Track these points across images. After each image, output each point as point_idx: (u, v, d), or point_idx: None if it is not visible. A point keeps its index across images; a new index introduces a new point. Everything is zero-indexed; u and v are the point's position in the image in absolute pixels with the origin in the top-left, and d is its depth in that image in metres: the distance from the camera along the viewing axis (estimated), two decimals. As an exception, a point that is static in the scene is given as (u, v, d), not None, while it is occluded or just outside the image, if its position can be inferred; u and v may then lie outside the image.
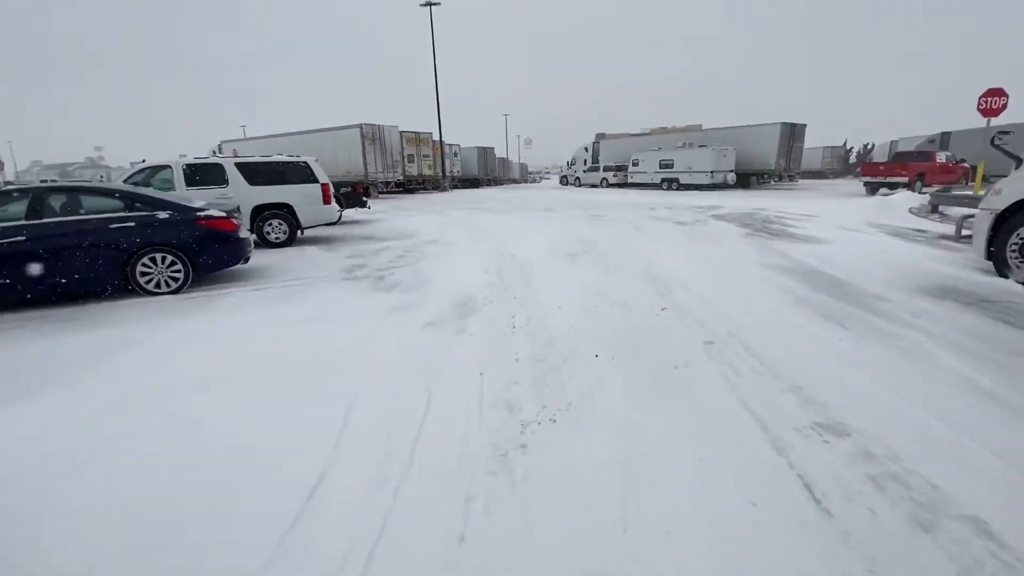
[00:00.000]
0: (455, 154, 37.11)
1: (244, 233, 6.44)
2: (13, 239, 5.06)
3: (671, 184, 28.56)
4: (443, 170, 32.46)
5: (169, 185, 8.63)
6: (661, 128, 37.84)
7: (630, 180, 31.51)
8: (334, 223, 11.13)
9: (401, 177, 27.61)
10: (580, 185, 36.44)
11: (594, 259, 7.43)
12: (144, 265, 5.64)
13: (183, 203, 5.98)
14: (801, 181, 33.83)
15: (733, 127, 28.53)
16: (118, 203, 5.62)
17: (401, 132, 28.09)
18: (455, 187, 37.31)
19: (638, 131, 38.02)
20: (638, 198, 21.67)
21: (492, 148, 43.68)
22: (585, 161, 38.49)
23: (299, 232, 9.67)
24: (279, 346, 4.04)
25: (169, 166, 8.72)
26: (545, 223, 12.43)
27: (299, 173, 9.42)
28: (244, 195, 9.01)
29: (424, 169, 30.36)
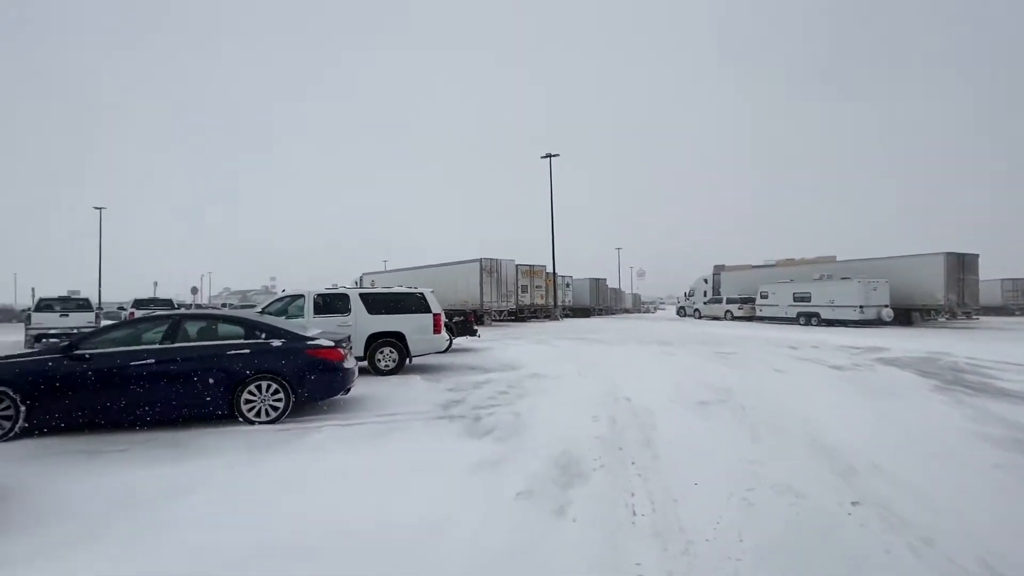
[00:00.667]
0: (567, 285, 37.84)
1: (350, 363, 6.35)
2: (144, 361, 5.40)
3: (809, 319, 25.41)
4: (555, 300, 32.91)
5: (301, 312, 9.31)
6: (788, 260, 35.22)
7: (758, 313, 28.81)
8: (443, 351, 11.10)
9: (514, 306, 28.36)
10: (700, 317, 34.27)
11: (733, 412, 6.04)
12: (250, 392, 5.65)
13: (296, 331, 6.12)
14: (981, 318, 28.13)
15: (884, 258, 25.38)
16: (239, 330, 5.90)
17: (516, 265, 29.59)
18: (566, 316, 37.40)
19: (762, 263, 35.76)
20: (772, 333, 19.28)
21: (604, 279, 44.07)
22: (705, 292, 36.65)
23: (408, 360, 9.65)
24: (338, 514, 3.37)
25: (303, 295, 9.50)
26: (664, 359, 11.15)
27: (414, 303, 9.69)
28: (362, 323, 9.36)
29: (536, 299, 31.05)
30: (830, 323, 24.53)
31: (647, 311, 65.31)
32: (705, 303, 34.25)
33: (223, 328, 5.95)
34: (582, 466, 4.14)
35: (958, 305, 22.75)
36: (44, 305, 15.74)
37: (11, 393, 4.99)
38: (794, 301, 26.48)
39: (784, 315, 27.00)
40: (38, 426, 5.13)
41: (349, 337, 6.90)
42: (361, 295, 9.55)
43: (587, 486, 3.72)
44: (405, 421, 5.78)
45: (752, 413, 5.96)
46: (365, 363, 9.40)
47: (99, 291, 41.00)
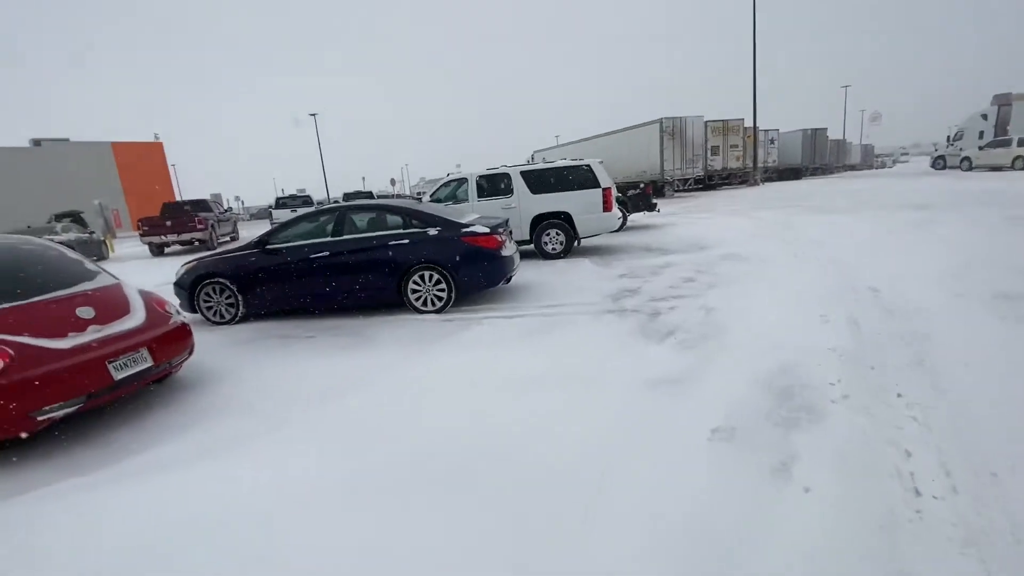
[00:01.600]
0: (771, 141, 31.25)
1: (508, 250, 5.78)
2: (320, 254, 5.63)
3: None
4: (755, 160, 27.65)
5: (466, 196, 9.05)
6: None
7: (1084, 155, 19.74)
8: (616, 231, 9.96)
9: (701, 172, 24.69)
10: (970, 168, 25.27)
11: (1076, 314, 3.80)
12: (415, 283, 5.56)
13: (452, 218, 5.69)
14: None
15: None
16: (398, 220, 5.70)
17: (706, 122, 25.09)
18: (769, 180, 31.52)
19: None
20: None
21: (824, 129, 35.16)
22: (982, 133, 26.59)
23: (576, 242, 8.83)
24: (484, 436, 2.88)
25: (466, 179, 9.14)
26: (923, 231, 8.13)
27: (580, 178, 8.53)
28: (526, 205, 8.70)
29: (731, 161, 26.45)
30: None
31: (883, 166, 51.63)
32: (981, 148, 24.83)
33: (385, 219, 5.84)
34: (811, 394, 2.90)
35: None
36: (281, 203, 19.08)
37: (229, 284, 5.75)
38: None
39: None
40: (250, 313, 5.92)
41: (507, 221, 6.27)
42: (523, 173, 8.75)
43: (823, 429, 2.52)
44: (570, 315, 5.09)
45: (1122, 317, 3.65)
46: (532, 246, 8.92)
47: (326, 188, 48.87)
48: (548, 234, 8.78)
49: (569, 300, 5.69)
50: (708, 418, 2.72)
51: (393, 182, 47.11)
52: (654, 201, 12.01)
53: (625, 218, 11.68)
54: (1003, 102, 27.37)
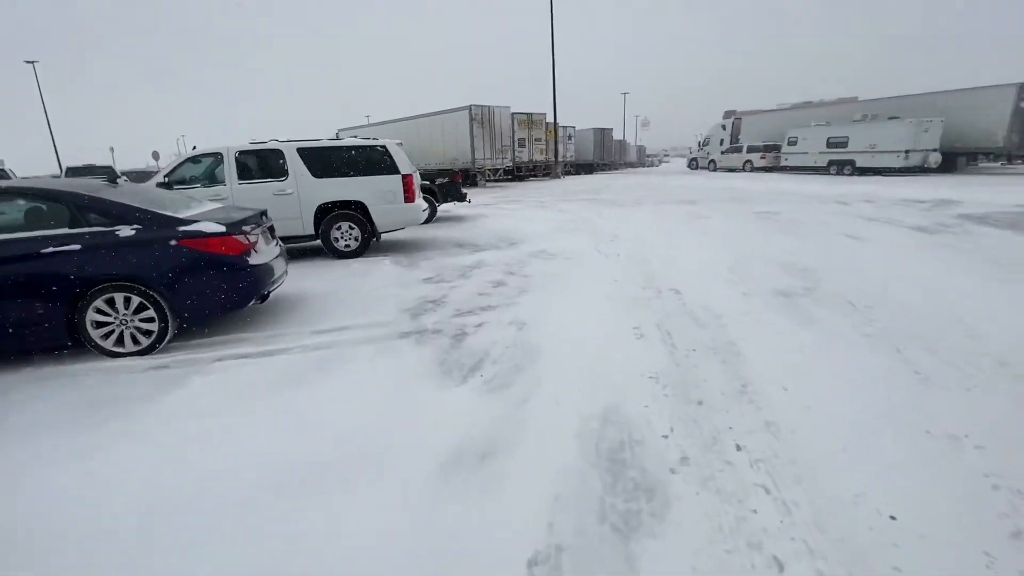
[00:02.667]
0: (569, 137, 33.90)
1: (263, 255, 4.18)
2: None
3: (842, 168, 22.58)
4: (556, 154, 29.51)
5: (221, 178, 6.87)
6: (806, 102, 30.72)
7: (784, 163, 25.80)
8: (425, 223, 8.87)
9: (511, 163, 25.23)
10: (715, 169, 31.19)
11: (838, 310, 4.05)
12: (99, 311, 3.58)
13: (162, 211, 3.81)
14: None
15: (938, 93, 21.59)
16: (62, 212, 3.59)
17: (513, 114, 25.65)
18: (568, 173, 34.20)
19: (776, 107, 31.34)
20: (807, 186, 16.77)
21: (610, 129, 39.65)
22: (722, 141, 32.96)
23: (375, 238, 7.47)
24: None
25: (219, 153, 6.94)
26: (698, 225, 8.97)
27: (375, 162, 7.14)
28: (307, 191, 6.96)
29: (536, 154, 27.69)
30: (864, 172, 21.82)
31: (652, 164, 61.20)
32: (722, 153, 30.84)
33: (44, 211, 3.65)
34: (647, 458, 2.23)
35: (1019, 147, 19.79)
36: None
37: None
38: (827, 147, 23.33)
39: (813, 164, 24.06)
40: None
41: (263, 214, 4.60)
42: (300, 151, 6.96)
43: (671, 529, 1.82)
44: (351, 344, 3.81)
45: (870, 313, 3.98)
46: (319, 242, 7.25)
47: (57, 157, 36.65)
48: (339, 228, 7.21)
49: (355, 319, 4.38)
50: (525, 536, 1.81)
51: (156, 156, 37.77)
52: (464, 191, 11.26)
53: (434, 209, 10.66)
54: (729, 115, 34.35)
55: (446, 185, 10.82)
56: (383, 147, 7.16)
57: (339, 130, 33.15)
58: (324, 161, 7.04)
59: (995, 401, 2.59)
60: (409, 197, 7.20)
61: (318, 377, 3.24)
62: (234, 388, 3.13)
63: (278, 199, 6.85)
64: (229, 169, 6.84)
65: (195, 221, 3.82)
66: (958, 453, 2.19)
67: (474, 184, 24.87)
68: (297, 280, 5.75)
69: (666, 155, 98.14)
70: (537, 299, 4.80)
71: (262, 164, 7.06)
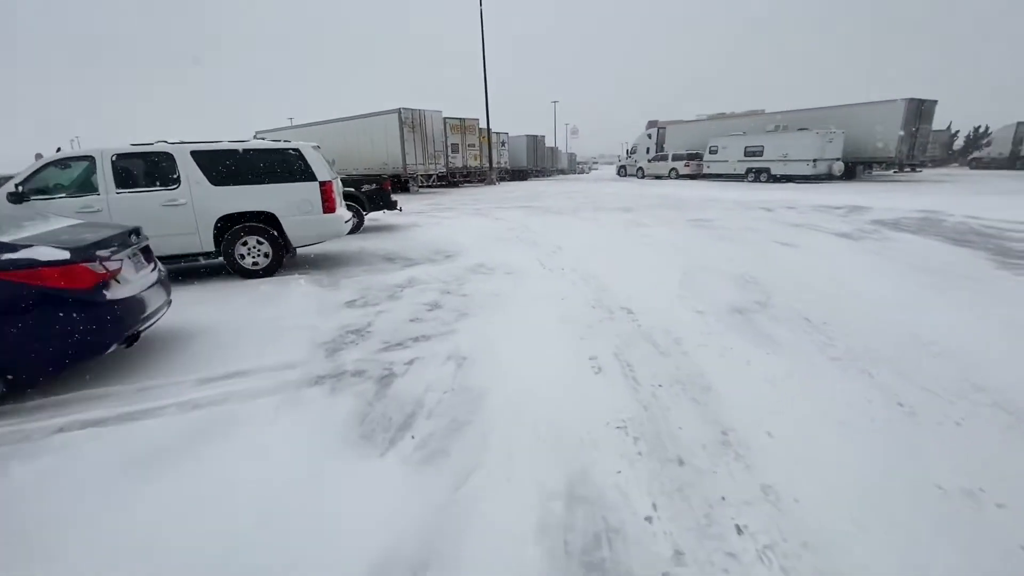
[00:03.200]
0: (503, 143, 33.70)
1: (129, 287, 3.28)
2: None
3: (759, 175, 23.98)
4: (491, 161, 29.13)
5: (93, 187, 5.69)
6: (719, 114, 32.66)
7: (706, 170, 27.05)
8: (352, 233, 8.02)
9: (444, 169, 24.49)
10: (643, 176, 32.20)
11: (797, 327, 3.83)
12: None
13: (-32, 234, 2.84)
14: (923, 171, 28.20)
15: (838, 106, 23.52)
16: None
17: (445, 119, 24.94)
18: (502, 179, 33.96)
19: (710, 115, 33.10)
20: (730, 193, 17.50)
21: (543, 136, 39.95)
22: (648, 149, 34.14)
23: (289, 253, 6.55)
24: None
25: (93, 157, 5.75)
26: (638, 234, 8.81)
27: (287, 167, 6.25)
28: (204, 201, 5.94)
29: (469, 160, 27.14)
30: (778, 179, 23.31)
31: (583, 171, 62.61)
32: (650, 161, 31.90)
33: None
34: (633, 557, 1.73)
35: (908, 157, 21.98)
36: None
37: None
38: (745, 156, 24.71)
39: (733, 171, 25.40)
40: None
41: (133, 233, 3.66)
42: (195, 154, 5.92)
43: None
44: (244, 399, 3.02)
45: (828, 331, 3.78)
46: (222, 259, 6.23)
47: None
48: (245, 243, 6.23)
49: (256, 361, 3.57)
50: None
51: (39, 157, 32.91)
52: (395, 199, 10.46)
53: (361, 219, 9.79)
54: (659, 126, 35.69)
55: (373, 192, 9.98)
56: (296, 150, 6.29)
57: (257, 132, 30.77)
58: (225, 166, 6.05)
59: (991, 439, 2.36)
60: (329, 206, 6.37)
61: (191, 451, 2.46)
62: (71, 480, 2.29)
63: (168, 211, 5.79)
64: (104, 175, 5.68)
65: (26, 246, 2.88)
66: (981, 514, 1.87)
67: (406, 191, 23.87)
68: (187, 308, 4.78)
69: (595, 163, 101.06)
70: (478, 325, 4.23)
71: (148, 170, 5.95)
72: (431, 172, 23.24)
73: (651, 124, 38.26)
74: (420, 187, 24.28)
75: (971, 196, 14.13)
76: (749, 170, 24.48)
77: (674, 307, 4.51)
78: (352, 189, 9.73)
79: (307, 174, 6.25)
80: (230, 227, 6.13)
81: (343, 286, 5.76)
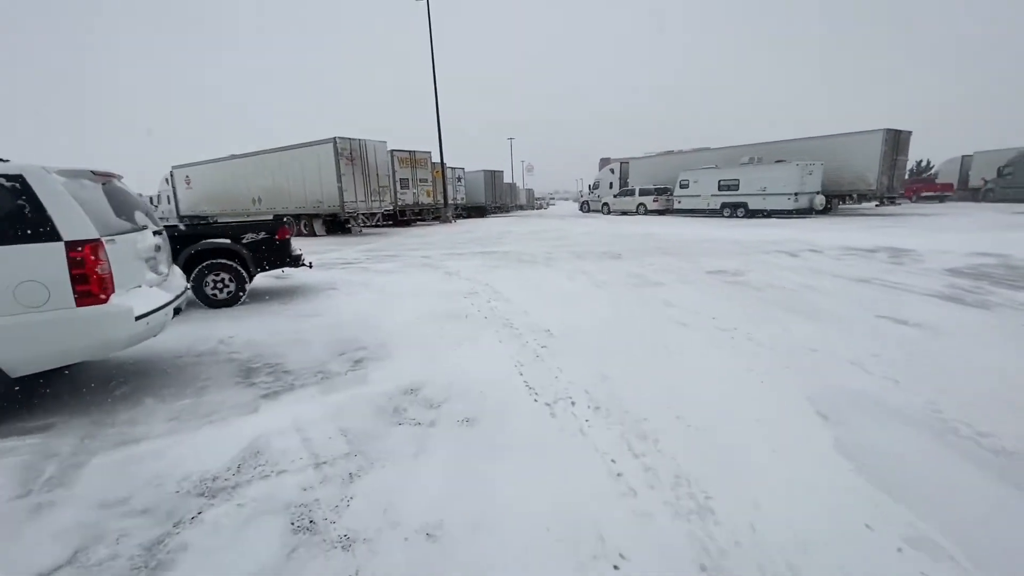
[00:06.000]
0: (459, 179, 31.10)
1: None
2: None
3: (735, 210, 22.25)
4: (445, 197, 26.30)
5: None
6: (667, 151, 31.48)
7: (676, 206, 25.23)
8: (224, 306, 4.71)
9: (391, 207, 21.37)
10: (609, 212, 30.22)
11: None
12: None
13: None
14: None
15: (818, 137, 22.36)
16: None
17: (392, 151, 22.04)
18: (459, 216, 31.16)
19: (642, 155, 31.82)
20: (719, 231, 15.26)
21: (501, 172, 37.73)
22: (611, 184, 32.40)
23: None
24: None
25: None
26: (655, 301, 5.91)
27: None
28: None
29: (422, 196, 24.16)
30: (754, 214, 21.64)
31: (541, 207, 61.03)
32: (615, 196, 30.00)
33: None
34: None
35: (888, 189, 20.82)
36: None
37: None
38: (719, 190, 23.01)
39: (706, 207, 23.63)
40: None
41: None
42: None
43: None
44: None
45: None
46: None
47: None
48: None
49: None
50: None
51: None
52: (298, 252, 7.22)
53: (241, 286, 6.47)
54: (621, 161, 34.10)
55: (261, 244, 6.67)
56: (17, 179, 3.02)
57: (173, 167, 26.73)
58: None
59: None
60: (90, 291, 3.08)
61: None
62: None
63: None
64: None
65: None
66: None
67: (346, 231, 20.54)
68: None
69: (552, 198, 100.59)
70: None
71: None
72: (375, 211, 20.04)
73: (604, 161, 36.92)
74: (362, 227, 21.00)
75: (995, 231, 12.33)
76: (724, 205, 22.74)
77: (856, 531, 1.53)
78: (226, 241, 6.43)
79: (39, 227, 2.98)
80: None
81: (83, 483, 2.46)
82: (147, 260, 3.75)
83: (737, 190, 22.26)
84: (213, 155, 24.16)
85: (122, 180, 4.12)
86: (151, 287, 3.67)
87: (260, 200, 21.57)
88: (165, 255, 4.21)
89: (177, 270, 4.64)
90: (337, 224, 20.12)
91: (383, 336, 4.87)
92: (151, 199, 30.09)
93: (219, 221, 21.20)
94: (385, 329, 5.12)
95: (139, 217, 3.84)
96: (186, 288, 4.38)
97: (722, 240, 12.65)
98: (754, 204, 21.62)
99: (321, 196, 19.07)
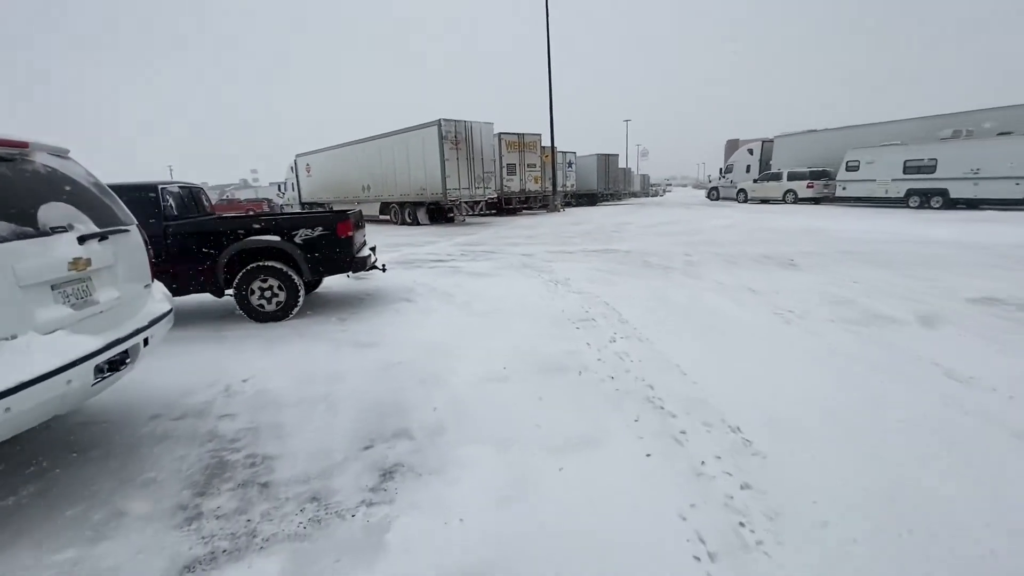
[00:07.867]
0: (569, 164, 28.78)
1: None
2: None
3: (928, 198, 17.19)
4: (555, 184, 24.24)
5: None
6: (810, 130, 25.22)
7: (840, 192, 20.39)
8: (269, 320, 3.29)
9: (495, 194, 19.88)
10: (746, 200, 25.84)
11: None
12: None
13: None
14: None
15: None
16: None
17: (499, 134, 20.50)
18: (568, 204, 28.92)
19: (774, 136, 26.20)
20: (912, 227, 11.21)
21: (616, 156, 34.59)
22: (748, 168, 27.79)
23: None
24: None
25: None
26: (900, 351, 3.31)
27: None
28: None
29: (530, 183, 22.38)
30: (954, 204, 16.46)
31: (656, 194, 56.22)
32: (755, 181, 25.51)
33: None
34: None
35: None
36: None
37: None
38: (904, 173, 17.97)
39: (884, 194, 18.66)
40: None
41: None
42: None
43: None
44: None
45: None
46: None
47: None
48: None
49: None
50: None
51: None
52: (367, 252, 5.70)
53: (294, 298, 5.08)
54: (750, 144, 29.13)
55: (316, 242, 5.19)
56: None
57: (297, 156, 27.96)
58: None
59: None
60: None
61: None
62: None
63: None
64: None
65: None
66: None
67: (448, 220, 19.49)
68: None
69: (669, 184, 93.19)
70: None
71: None
72: (478, 198, 18.66)
73: (731, 144, 32.07)
74: (466, 216, 19.78)
75: None
76: (912, 192, 17.70)
77: None
78: (275, 239, 5.04)
79: None
80: None
81: None
82: (54, 286, 2.24)
83: (932, 173, 17.11)
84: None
85: (68, 154, 2.70)
86: (53, 331, 2.14)
87: (369, 188, 21.36)
88: (122, 270, 2.72)
89: (158, 288, 3.18)
90: (440, 213, 19.13)
91: (443, 405, 3.00)
92: (279, 187, 32.13)
93: (323, 208, 21.29)
94: (451, 389, 3.24)
95: (54, 215, 2.34)
96: (161, 316, 2.88)
97: (945, 243, 8.98)
98: (957, 191, 16.44)
99: (425, 183, 18.11)
